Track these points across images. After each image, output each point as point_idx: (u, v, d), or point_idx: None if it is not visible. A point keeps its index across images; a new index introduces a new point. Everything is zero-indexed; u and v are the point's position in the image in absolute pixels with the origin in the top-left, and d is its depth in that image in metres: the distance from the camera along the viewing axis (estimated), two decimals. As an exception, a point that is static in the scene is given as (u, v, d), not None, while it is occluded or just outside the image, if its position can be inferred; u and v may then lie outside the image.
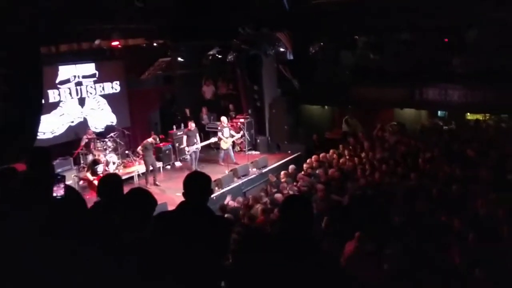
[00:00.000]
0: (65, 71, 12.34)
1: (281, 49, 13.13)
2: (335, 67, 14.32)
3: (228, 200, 9.65)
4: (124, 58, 13.24)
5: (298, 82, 10.14)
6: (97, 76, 13.18)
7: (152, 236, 2.98)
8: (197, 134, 13.35)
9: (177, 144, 13.96)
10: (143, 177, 12.18)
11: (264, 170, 12.87)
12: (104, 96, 13.53)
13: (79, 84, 12.78)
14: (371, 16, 9.74)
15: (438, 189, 7.91)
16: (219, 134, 13.50)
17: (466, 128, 13.36)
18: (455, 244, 5.65)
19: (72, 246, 2.81)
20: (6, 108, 6.04)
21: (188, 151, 13.14)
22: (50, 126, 12.07)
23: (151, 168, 12.08)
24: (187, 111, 15.76)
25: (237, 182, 11.99)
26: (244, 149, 14.53)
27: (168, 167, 13.73)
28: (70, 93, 12.60)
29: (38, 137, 7.76)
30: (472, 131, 12.64)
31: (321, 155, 11.76)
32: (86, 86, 13.00)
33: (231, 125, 14.46)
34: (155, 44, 11.84)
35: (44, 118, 10.86)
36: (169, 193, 11.05)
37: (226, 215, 7.79)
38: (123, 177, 11.30)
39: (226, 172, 12.40)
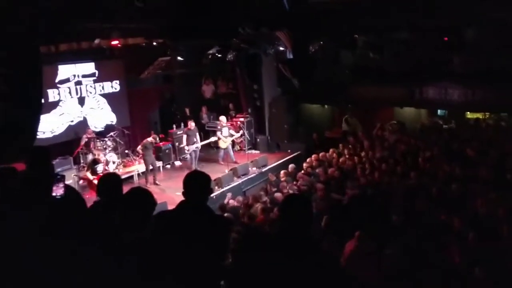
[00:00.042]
0: (64, 71, 12.33)
1: (281, 48, 13.13)
2: (335, 66, 14.31)
3: (228, 199, 9.67)
4: (124, 57, 13.24)
5: (298, 81, 10.12)
6: (96, 75, 13.18)
7: (152, 236, 2.98)
8: (197, 133, 13.36)
9: (177, 144, 13.97)
10: (143, 177, 12.19)
11: (264, 169, 12.87)
12: (103, 95, 13.53)
13: (78, 83, 12.78)
14: (370, 15, 9.73)
15: (437, 188, 7.91)
16: (218, 133, 13.50)
17: (466, 127, 13.36)
18: (454, 243, 5.65)
19: (71, 246, 2.81)
20: (6, 108, 6.03)
21: (188, 150, 13.14)
22: (50, 126, 12.07)
23: (151, 167, 12.09)
24: (187, 110, 15.76)
25: (237, 181, 12.00)
26: (244, 148, 14.54)
27: (168, 166, 13.75)
28: (70, 93, 12.60)
29: (37, 137, 7.76)
30: (472, 130, 12.64)
31: (321, 154, 11.77)
32: (86, 85, 13.00)
33: (231, 124, 14.46)
34: (154, 44, 11.82)
35: (43, 118, 10.86)
36: (169, 192, 11.07)
37: (225, 214, 7.80)
38: (123, 177, 11.36)
39: (226, 171, 12.40)
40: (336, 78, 14.46)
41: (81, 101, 12.97)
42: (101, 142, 12.18)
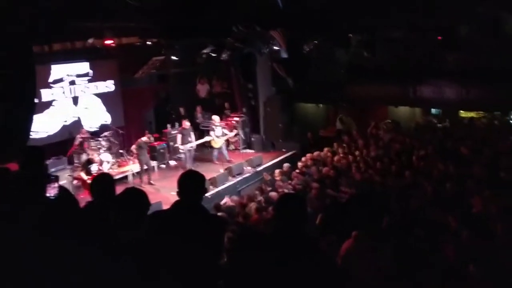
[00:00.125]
0: (58, 70, 12.27)
1: (275, 48, 13.11)
2: (329, 65, 14.32)
3: (225, 201, 9.64)
4: (118, 57, 13.16)
5: (293, 80, 10.12)
6: (90, 75, 13.12)
7: (147, 236, 2.97)
8: (192, 133, 13.33)
9: (171, 143, 13.93)
10: (138, 176, 12.16)
11: (259, 169, 12.88)
12: (98, 95, 13.46)
13: (72, 83, 12.71)
14: (364, 14, 9.73)
15: (432, 186, 7.94)
16: (211, 133, 13.47)
17: (460, 126, 13.42)
18: (449, 241, 5.67)
19: (66, 247, 2.80)
20: (4, 109, 6.00)
21: (182, 150, 13.11)
22: (43, 126, 11.98)
23: (145, 167, 12.07)
24: (182, 109, 15.71)
25: (231, 181, 12.00)
26: (239, 148, 14.52)
27: (163, 166, 13.71)
28: (64, 92, 12.53)
29: (31, 137, 7.73)
30: (466, 129, 12.70)
31: (315, 153, 11.78)
32: (80, 85, 12.93)
33: (226, 124, 14.45)
34: (149, 43, 11.79)
35: (37, 118, 10.83)
36: (164, 192, 11.03)
37: (220, 214, 7.79)
38: (118, 176, 11.35)
39: (221, 170, 12.39)
40: (331, 77, 14.46)
41: (75, 101, 12.90)
42: (95, 142, 12.13)
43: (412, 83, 13.49)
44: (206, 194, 3.61)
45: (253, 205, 8.43)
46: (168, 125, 14.43)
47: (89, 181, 9.87)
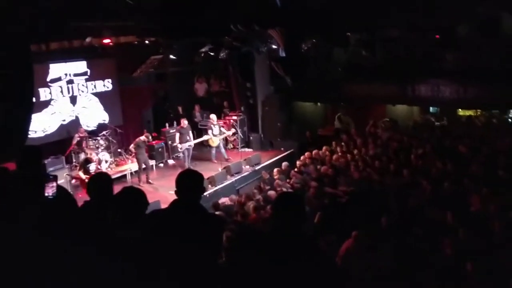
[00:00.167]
0: (56, 69, 12.25)
1: (274, 46, 13.11)
2: (327, 64, 14.33)
3: (223, 201, 9.63)
4: (116, 55, 13.13)
5: (291, 79, 10.11)
6: (88, 74, 13.10)
7: (145, 235, 2.97)
8: (190, 132, 13.32)
9: (169, 142, 13.92)
10: (136, 175, 12.16)
11: (257, 167, 12.88)
12: (96, 94, 13.45)
13: (70, 82, 12.70)
14: (363, 13, 9.73)
15: (430, 185, 7.96)
16: (209, 131, 13.46)
17: (458, 124, 13.43)
18: (447, 239, 5.68)
19: (64, 246, 2.80)
20: (3, 108, 5.99)
21: (181, 149, 13.11)
22: (41, 125, 11.98)
23: (143, 166, 12.06)
24: (180, 108, 15.72)
25: (230, 180, 12.00)
26: (237, 147, 14.52)
27: (161, 165, 13.71)
28: (62, 91, 12.51)
29: (29, 136, 7.71)
30: (464, 127, 12.72)
31: (314, 152, 11.78)
32: (78, 84, 12.91)
33: (224, 122, 14.45)
34: (147, 42, 11.77)
35: (35, 117, 10.83)
36: (162, 191, 11.03)
37: (218, 213, 7.79)
38: (116, 176, 11.35)
39: (219, 169, 12.38)
40: (329, 76, 14.49)
41: (73, 100, 12.88)
42: (94, 141, 12.13)
43: (410, 82, 13.50)
44: (205, 193, 3.61)
45: (251, 204, 8.42)
46: (167, 124, 14.41)
47: (87, 181, 9.87)
